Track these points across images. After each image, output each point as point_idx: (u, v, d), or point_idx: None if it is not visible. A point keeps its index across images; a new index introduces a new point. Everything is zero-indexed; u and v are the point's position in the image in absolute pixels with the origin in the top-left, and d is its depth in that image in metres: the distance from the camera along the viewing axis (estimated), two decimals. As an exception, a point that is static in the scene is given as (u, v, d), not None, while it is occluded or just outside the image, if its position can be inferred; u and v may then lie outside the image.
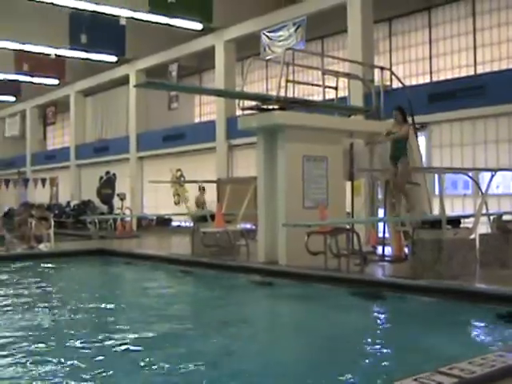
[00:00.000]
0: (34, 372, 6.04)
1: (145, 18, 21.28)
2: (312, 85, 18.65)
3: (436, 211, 13.27)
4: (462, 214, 13.87)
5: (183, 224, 26.13)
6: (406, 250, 12.64)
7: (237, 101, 15.96)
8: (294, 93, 18.53)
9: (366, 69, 17.77)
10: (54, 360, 6.40)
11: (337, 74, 15.42)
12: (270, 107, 13.45)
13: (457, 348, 6.62)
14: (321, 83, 14.38)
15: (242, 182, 19.17)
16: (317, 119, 13.65)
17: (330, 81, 15.33)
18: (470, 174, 14.18)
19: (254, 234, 14.96)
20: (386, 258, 13.09)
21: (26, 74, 29.02)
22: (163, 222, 27.97)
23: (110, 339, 7.42)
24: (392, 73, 17.31)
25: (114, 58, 26.51)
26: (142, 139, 30.39)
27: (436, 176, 13.56)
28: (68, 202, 34.46)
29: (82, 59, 26.76)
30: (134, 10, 20.92)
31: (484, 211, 11.96)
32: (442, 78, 19.89)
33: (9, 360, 6.44)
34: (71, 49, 24.18)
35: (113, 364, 6.36)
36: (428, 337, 7.30)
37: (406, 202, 13.03)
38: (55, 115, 38.47)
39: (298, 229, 12.03)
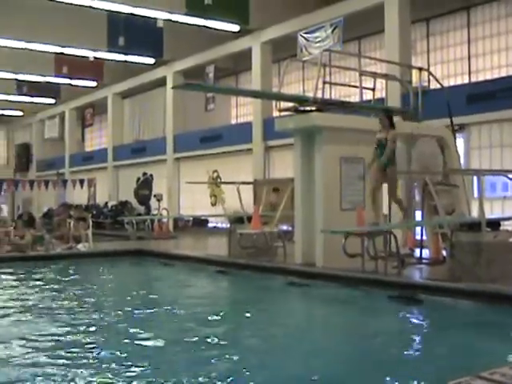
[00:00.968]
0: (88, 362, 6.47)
1: (182, 20, 21.43)
2: (349, 86, 18.59)
3: (475, 213, 13.12)
4: (502, 217, 13.71)
5: (220, 225, 26.22)
6: (444, 252, 12.51)
7: (274, 102, 15.98)
8: (330, 94, 18.48)
9: (403, 69, 17.66)
10: (106, 352, 6.90)
11: (374, 75, 15.33)
12: (307, 109, 13.43)
13: (498, 352, 6.54)
14: (358, 84, 14.33)
15: (278, 184, 19.15)
16: (354, 121, 13.59)
17: (368, 82, 15.26)
18: (510, 175, 13.99)
19: (290, 236, 14.94)
20: (424, 261, 12.97)
21: (65, 77, 29.44)
22: (200, 223, 28.10)
23: (150, 338, 7.60)
24: (430, 73, 17.14)
25: (151, 60, 26.73)
26: (178, 140, 30.56)
27: (475, 178, 13.42)
28: (106, 203, 34.81)
29: (120, 61, 27.05)
30: (171, 12, 21.07)
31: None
32: (481, 78, 19.64)
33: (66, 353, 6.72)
34: (109, 51, 24.50)
35: (155, 357, 6.48)
36: (468, 341, 7.23)
37: (400, 209, 12.73)
38: (93, 117, 38.89)
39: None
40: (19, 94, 34.30)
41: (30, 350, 6.99)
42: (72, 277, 14.31)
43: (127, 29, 22.54)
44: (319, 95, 13.27)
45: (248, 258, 14.36)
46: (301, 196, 13.47)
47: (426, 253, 13.31)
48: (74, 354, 6.81)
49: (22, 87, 33.28)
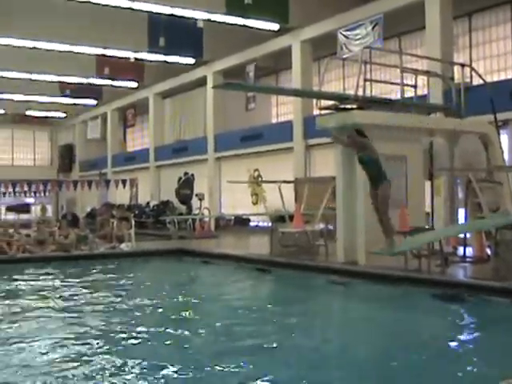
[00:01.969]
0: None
1: (222, 20, 21.49)
2: (390, 83, 18.44)
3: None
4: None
5: (261, 224, 26.26)
6: (488, 250, 12.35)
7: (314, 100, 15.93)
8: (371, 92, 18.36)
9: (445, 66, 17.46)
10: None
11: (415, 72, 15.21)
12: (348, 106, 13.38)
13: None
14: (399, 81, 14.22)
15: (319, 182, 19.11)
16: (396, 118, 13.49)
17: (409, 79, 15.13)
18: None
19: (332, 234, 14.90)
20: (468, 259, 12.83)
21: (106, 78, 29.79)
22: (241, 222, 28.17)
23: (196, 333, 7.76)
24: (472, 69, 16.93)
25: (191, 60, 26.87)
26: (219, 140, 30.67)
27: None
28: (147, 203, 35.10)
29: (161, 62, 27.24)
30: (211, 12, 21.16)
31: None
32: (525, 73, 19.34)
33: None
34: (150, 52, 24.68)
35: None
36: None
37: (383, 231, 10.55)
38: (135, 117, 39.27)
39: (377, 229, 11.92)
40: (62, 96, 34.82)
41: (81, 348, 7.16)
42: (115, 276, 14.48)
43: (167, 29, 22.70)
44: (360, 93, 13.22)
45: (290, 257, 14.36)
46: (342, 194, 13.43)
47: (469, 251, 13.16)
48: (125, 348, 7.10)
49: (64, 89, 33.75)
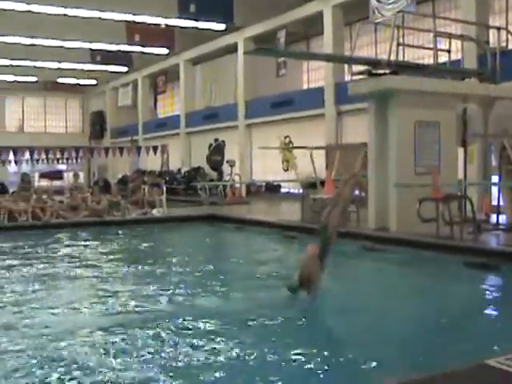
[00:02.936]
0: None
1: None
2: (423, 48, 18.19)
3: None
4: None
5: (292, 190, 26.25)
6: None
7: (346, 66, 15.78)
8: (404, 57, 18.11)
9: (480, 29, 17.14)
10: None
11: (449, 36, 14.98)
12: (381, 72, 13.24)
13: None
14: (432, 46, 14.00)
15: (351, 148, 19.00)
16: (429, 83, 13.32)
17: (443, 44, 14.90)
18: None
19: (364, 201, 14.84)
20: (501, 227, 12.71)
21: (137, 45, 29.76)
22: (272, 189, 28.20)
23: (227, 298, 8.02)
24: (508, 32, 16.57)
25: (222, 26, 26.72)
26: (250, 106, 30.58)
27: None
28: (179, 169, 35.26)
29: (191, 28, 27.12)
30: (242, -23, 20.98)
31: None
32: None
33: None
34: (180, 18, 24.56)
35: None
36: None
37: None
38: (165, 84, 39.28)
39: (409, 195, 11.88)
40: (93, 63, 34.91)
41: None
42: (148, 240, 14.63)
43: (198, -5, 22.59)
44: (393, 58, 13.06)
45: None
46: (374, 161, 13.35)
47: (502, 218, 13.03)
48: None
49: (95, 56, 33.84)
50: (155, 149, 25.37)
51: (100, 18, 25.63)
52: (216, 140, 32.20)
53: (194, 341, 5.93)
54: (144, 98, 42.24)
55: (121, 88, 44.15)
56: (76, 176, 24.20)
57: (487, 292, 8.59)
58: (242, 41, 30.15)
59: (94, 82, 43.93)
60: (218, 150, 31.92)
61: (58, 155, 25.94)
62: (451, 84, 14.16)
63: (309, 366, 5.22)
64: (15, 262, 11.17)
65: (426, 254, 10.87)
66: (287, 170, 27.85)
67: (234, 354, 5.55)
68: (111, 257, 11.95)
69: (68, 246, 13.81)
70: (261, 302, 7.70)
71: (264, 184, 28.78)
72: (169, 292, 8.34)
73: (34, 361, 5.42)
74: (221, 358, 5.42)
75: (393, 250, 11.52)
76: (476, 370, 4.03)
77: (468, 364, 4.22)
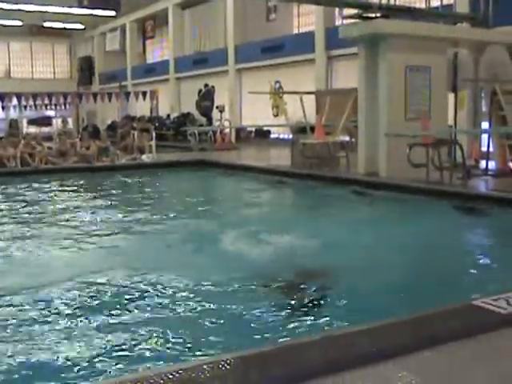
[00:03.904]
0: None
1: None
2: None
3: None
4: None
5: (282, 136, 26.19)
6: (511, 164, 12.27)
7: (336, 10, 15.57)
8: (396, 0, 17.88)
9: (473, -27, 16.91)
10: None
11: (442, -21, 14.78)
12: (372, 15, 13.09)
13: None
14: (425, -11, 13.85)
15: (341, 94, 18.88)
16: (420, 27, 13.19)
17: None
18: None
19: (353, 146, 14.84)
20: (490, 172, 12.74)
21: (125, -13, 29.23)
22: (262, 134, 28.11)
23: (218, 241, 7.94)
24: (501, -23, 16.39)
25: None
26: (240, 51, 30.26)
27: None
28: (168, 115, 35.05)
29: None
30: None
31: None
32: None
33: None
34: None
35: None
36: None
37: None
38: (154, 29, 38.84)
39: (399, 140, 11.86)
40: (80, 7, 34.23)
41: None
42: (138, 186, 14.64)
43: None
44: (384, 1, 12.91)
45: (310, 168, 14.35)
46: (365, 106, 13.30)
47: (492, 164, 13.05)
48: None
49: (82, 0, 33.20)
50: (144, 94, 25.19)
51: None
52: (206, 85, 31.93)
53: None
54: (132, 42, 41.71)
55: (108, 33, 43.52)
56: (65, 122, 24.06)
57: (475, 235, 8.71)
58: (231, -16, 29.68)
59: (81, 26, 43.18)
60: (207, 95, 31.66)
61: (46, 101, 25.72)
62: (443, 28, 14.04)
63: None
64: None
65: (416, 199, 10.90)
66: (277, 115, 27.73)
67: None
68: (100, 202, 11.94)
69: (55, 191, 13.79)
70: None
71: (254, 129, 28.66)
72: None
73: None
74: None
75: (382, 195, 11.55)
76: (462, 310, 4.08)
77: (454, 304, 4.25)
